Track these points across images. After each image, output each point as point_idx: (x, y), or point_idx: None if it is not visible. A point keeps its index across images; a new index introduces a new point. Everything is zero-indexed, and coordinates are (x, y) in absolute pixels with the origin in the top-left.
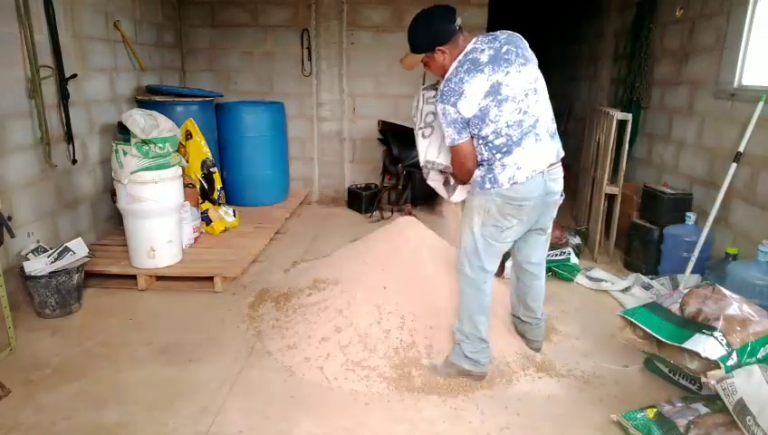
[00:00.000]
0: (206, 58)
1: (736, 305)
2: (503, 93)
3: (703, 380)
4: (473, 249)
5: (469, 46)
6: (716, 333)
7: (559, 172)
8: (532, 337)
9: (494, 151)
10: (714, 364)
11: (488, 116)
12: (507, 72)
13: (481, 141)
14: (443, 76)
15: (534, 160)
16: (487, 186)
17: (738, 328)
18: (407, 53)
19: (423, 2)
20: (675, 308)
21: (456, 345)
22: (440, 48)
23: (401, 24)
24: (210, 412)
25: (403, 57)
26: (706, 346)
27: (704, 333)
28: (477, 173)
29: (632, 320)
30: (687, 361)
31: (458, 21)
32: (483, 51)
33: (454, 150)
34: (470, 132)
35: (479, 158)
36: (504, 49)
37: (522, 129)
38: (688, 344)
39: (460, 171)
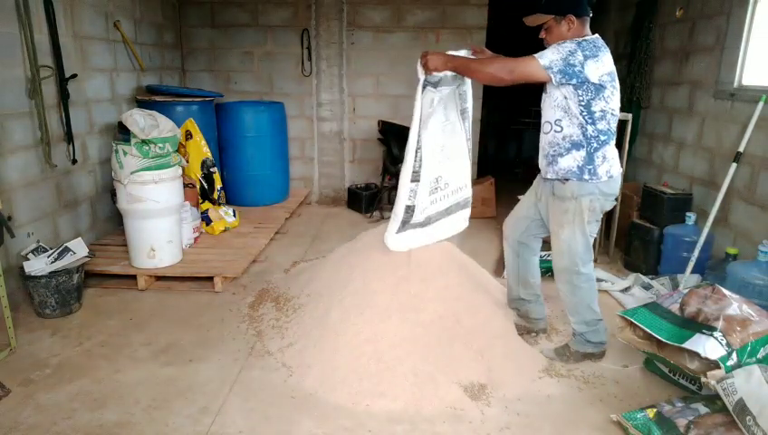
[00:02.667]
0: (206, 58)
1: (736, 305)
2: (616, 84)
3: (703, 380)
4: (584, 248)
5: (593, 36)
6: (716, 334)
7: None
8: (535, 316)
9: (597, 133)
10: (714, 364)
11: (603, 92)
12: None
13: (585, 116)
14: None
15: (617, 161)
16: (586, 177)
17: (738, 328)
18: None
19: (422, 2)
20: (675, 308)
21: (578, 335)
22: (570, 17)
23: (401, 24)
24: (210, 412)
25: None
26: (706, 346)
27: (704, 334)
28: (573, 162)
29: (632, 320)
30: (687, 361)
31: (591, 13)
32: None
33: (525, 61)
34: (564, 91)
35: (576, 138)
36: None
37: (614, 126)
38: (688, 345)
39: (500, 74)
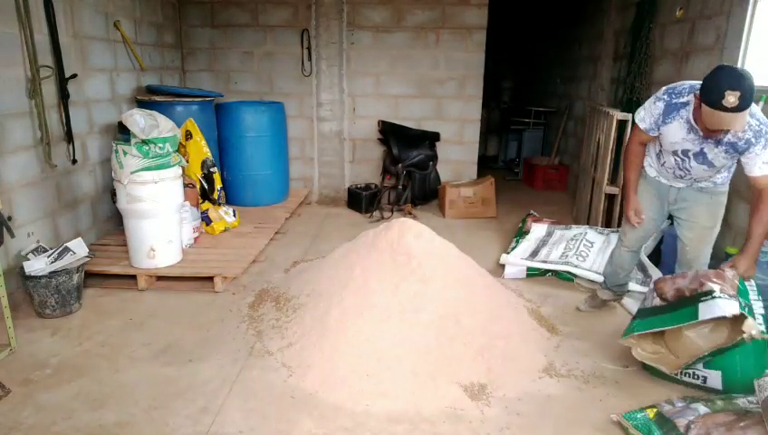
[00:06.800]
0: (206, 58)
1: (692, 273)
2: None
3: (744, 336)
4: None
5: None
6: (717, 293)
7: None
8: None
9: None
10: (737, 319)
11: None
12: None
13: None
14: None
15: None
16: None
17: (720, 280)
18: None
19: (422, 2)
20: (657, 302)
21: None
22: None
23: (401, 24)
24: (210, 412)
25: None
26: (722, 307)
27: (705, 301)
28: (727, 175)
29: (635, 335)
30: (703, 345)
31: None
32: None
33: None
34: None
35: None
36: None
37: None
38: (705, 316)
39: None
